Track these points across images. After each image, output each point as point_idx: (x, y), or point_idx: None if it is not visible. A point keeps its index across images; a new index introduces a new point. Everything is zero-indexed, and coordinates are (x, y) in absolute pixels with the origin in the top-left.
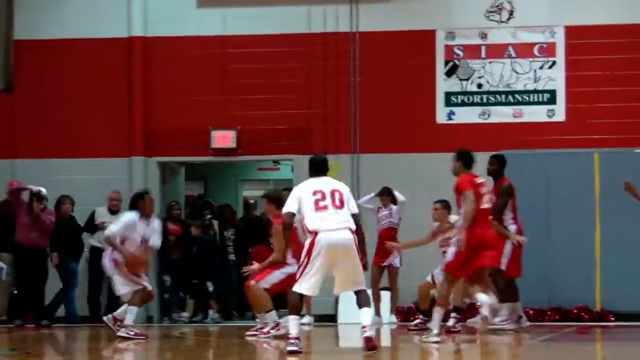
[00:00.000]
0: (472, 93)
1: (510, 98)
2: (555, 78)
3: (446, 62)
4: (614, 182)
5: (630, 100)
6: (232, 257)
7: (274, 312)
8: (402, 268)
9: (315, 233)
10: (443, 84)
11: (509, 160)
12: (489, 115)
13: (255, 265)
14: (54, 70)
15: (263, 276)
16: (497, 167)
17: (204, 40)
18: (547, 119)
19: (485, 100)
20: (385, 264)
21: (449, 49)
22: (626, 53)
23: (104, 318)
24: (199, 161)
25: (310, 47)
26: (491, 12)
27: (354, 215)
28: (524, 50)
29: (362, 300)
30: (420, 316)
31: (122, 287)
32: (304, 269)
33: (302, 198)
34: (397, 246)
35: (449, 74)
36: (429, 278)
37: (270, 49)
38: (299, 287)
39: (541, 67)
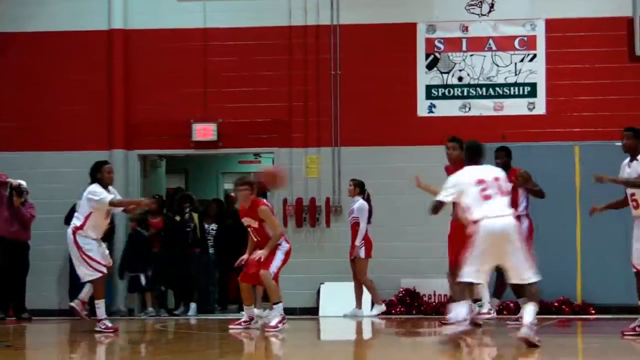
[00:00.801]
0: (452, 86)
1: (491, 91)
2: (536, 71)
3: (427, 55)
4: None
5: (610, 93)
6: (211, 250)
7: (281, 305)
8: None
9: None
10: (424, 77)
11: (489, 153)
12: (469, 109)
13: (261, 252)
14: (34, 62)
15: (269, 262)
16: (506, 159)
17: (185, 32)
18: (527, 112)
19: (466, 94)
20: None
21: (429, 42)
22: (606, 46)
23: (71, 304)
24: (180, 154)
25: (291, 39)
26: (472, 5)
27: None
28: (504, 44)
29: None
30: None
31: (84, 273)
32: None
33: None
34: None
35: (429, 67)
36: None
37: (251, 42)
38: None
39: (522, 60)
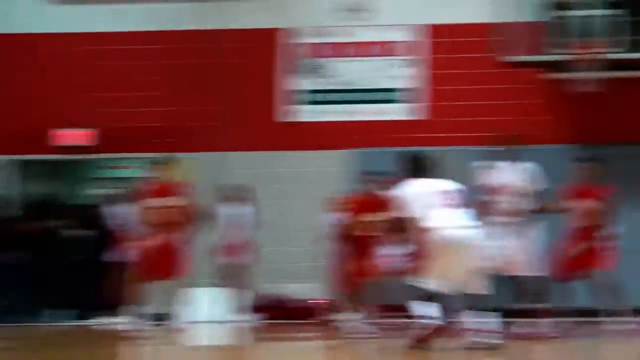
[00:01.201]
0: (332, 91)
1: (372, 96)
2: (417, 77)
3: (304, 61)
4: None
5: (480, 99)
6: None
7: None
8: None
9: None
10: (301, 83)
11: (369, 159)
12: (349, 114)
13: None
14: None
15: None
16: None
17: (57, 37)
18: (405, 117)
19: (346, 99)
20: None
21: (308, 47)
22: (482, 52)
23: None
24: (47, 159)
25: (168, 44)
26: (351, 9)
27: None
28: (384, 49)
29: None
30: None
31: None
32: None
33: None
34: None
35: (307, 72)
36: None
37: (128, 46)
38: None
39: (400, 66)
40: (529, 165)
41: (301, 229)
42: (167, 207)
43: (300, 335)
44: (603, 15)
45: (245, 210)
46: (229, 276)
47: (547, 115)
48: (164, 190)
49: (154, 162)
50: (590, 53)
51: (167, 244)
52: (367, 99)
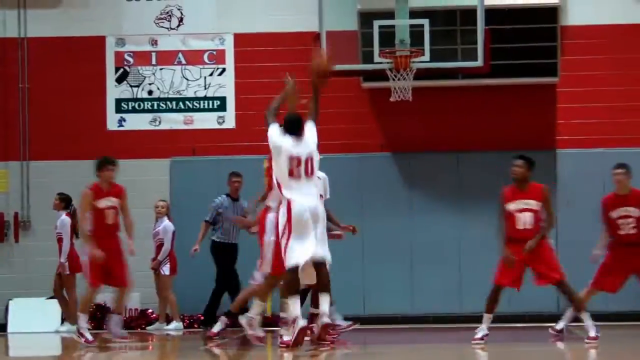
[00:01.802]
0: (142, 100)
1: (181, 105)
2: (225, 85)
3: (117, 69)
4: None
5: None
6: None
7: None
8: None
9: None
10: (114, 91)
11: (180, 166)
12: (160, 122)
13: None
14: None
15: None
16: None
17: None
18: (217, 126)
19: (156, 107)
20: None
21: (119, 56)
22: (291, 61)
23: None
24: None
25: None
26: (161, 18)
27: None
28: (194, 57)
29: None
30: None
31: None
32: None
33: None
34: None
35: (119, 80)
36: None
37: None
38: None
39: (211, 74)
40: (322, 174)
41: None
42: None
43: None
44: (413, 26)
45: (65, 220)
46: (58, 285)
47: (365, 123)
48: None
49: None
50: (403, 63)
51: None
52: (184, 107)
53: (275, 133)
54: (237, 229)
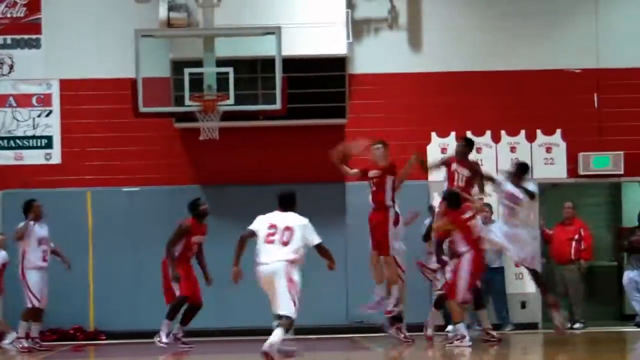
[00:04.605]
0: None
1: (12, 143)
2: (52, 125)
3: None
4: (104, 216)
5: (117, 144)
6: None
7: None
8: None
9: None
10: None
11: (11, 199)
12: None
13: None
14: None
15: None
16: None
17: None
18: (45, 162)
19: None
20: None
21: None
22: (114, 103)
23: None
24: None
25: None
26: None
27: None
28: (23, 101)
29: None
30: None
31: None
32: None
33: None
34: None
35: None
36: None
37: None
38: None
39: (39, 116)
40: None
41: None
42: None
43: None
44: (219, 73)
45: None
46: None
47: (178, 159)
48: None
49: None
50: (210, 106)
51: None
52: (15, 145)
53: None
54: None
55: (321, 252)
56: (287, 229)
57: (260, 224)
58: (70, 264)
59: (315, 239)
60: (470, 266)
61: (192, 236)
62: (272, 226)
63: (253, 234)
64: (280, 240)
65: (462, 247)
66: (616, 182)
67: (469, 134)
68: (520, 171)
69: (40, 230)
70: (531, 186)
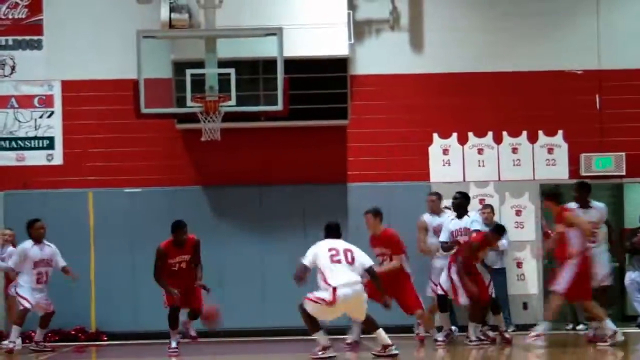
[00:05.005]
0: None
1: (14, 144)
2: (54, 126)
3: None
4: (105, 217)
5: (119, 145)
6: None
7: None
8: None
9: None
10: None
11: (12, 199)
12: (3, 160)
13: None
14: None
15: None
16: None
17: None
18: (46, 163)
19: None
20: None
21: None
22: (116, 104)
23: None
24: None
25: None
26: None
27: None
28: (25, 102)
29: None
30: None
31: None
32: None
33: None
34: None
35: None
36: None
37: None
38: None
39: (41, 117)
40: None
41: None
42: None
43: None
44: (221, 74)
45: None
46: None
47: (179, 160)
48: None
49: None
50: (212, 107)
51: None
52: (16, 146)
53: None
54: None
55: (372, 275)
56: (348, 250)
57: (317, 251)
58: (78, 279)
59: (368, 261)
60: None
61: (169, 259)
62: (332, 249)
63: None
64: (346, 261)
65: (577, 246)
66: (618, 183)
67: (470, 135)
68: (586, 191)
69: (38, 252)
70: (600, 205)
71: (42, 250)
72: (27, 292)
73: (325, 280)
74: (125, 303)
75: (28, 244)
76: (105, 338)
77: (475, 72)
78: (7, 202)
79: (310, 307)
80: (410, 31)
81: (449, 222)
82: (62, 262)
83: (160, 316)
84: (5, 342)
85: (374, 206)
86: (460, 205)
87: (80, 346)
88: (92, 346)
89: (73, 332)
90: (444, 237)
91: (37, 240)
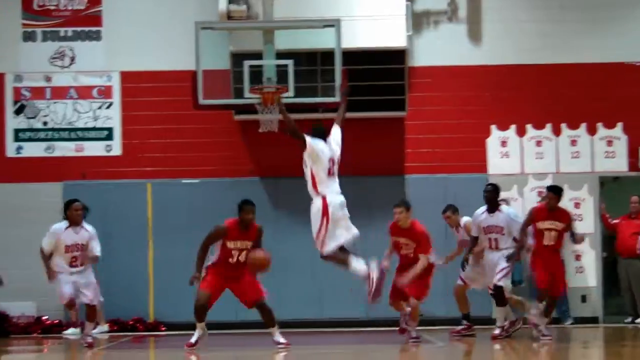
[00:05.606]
0: (38, 130)
1: (73, 135)
2: (112, 117)
3: (15, 102)
4: (164, 208)
5: (177, 136)
6: None
7: None
8: None
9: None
10: (12, 122)
11: (71, 190)
12: (53, 150)
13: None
14: None
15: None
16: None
17: None
18: (105, 153)
19: (50, 137)
20: None
21: (17, 91)
22: (174, 95)
23: None
24: None
25: None
26: (55, 58)
27: None
28: (84, 92)
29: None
30: (464, 321)
31: None
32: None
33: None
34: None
35: (17, 112)
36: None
37: None
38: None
39: (100, 108)
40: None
41: (26, 253)
42: None
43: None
44: (279, 65)
45: None
46: None
47: (237, 151)
48: None
49: None
50: (269, 98)
51: None
52: (75, 137)
53: (314, 142)
54: None
55: None
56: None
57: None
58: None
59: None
60: None
61: (228, 240)
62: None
63: None
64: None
65: None
66: None
67: (529, 128)
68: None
69: (72, 235)
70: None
71: (78, 234)
72: (62, 284)
73: (315, 187)
74: (183, 293)
75: (61, 225)
76: (164, 328)
77: (533, 64)
78: (66, 192)
79: (327, 244)
80: (468, 23)
81: (479, 215)
82: (97, 250)
83: (218, 306)
84: (68, 331)
85: (402, 199)
86: (491, 199)
87: (139, 336)
88: (150, 336)
89: (131, 323)
90: (474, 232)
91: (75, 223)
